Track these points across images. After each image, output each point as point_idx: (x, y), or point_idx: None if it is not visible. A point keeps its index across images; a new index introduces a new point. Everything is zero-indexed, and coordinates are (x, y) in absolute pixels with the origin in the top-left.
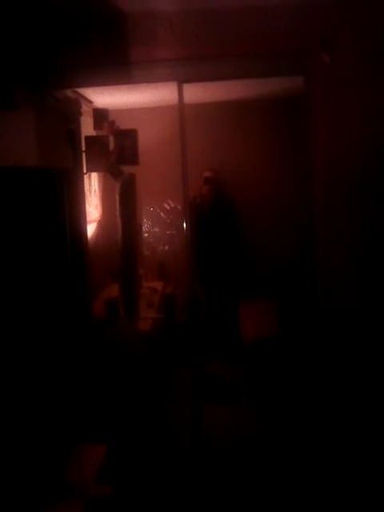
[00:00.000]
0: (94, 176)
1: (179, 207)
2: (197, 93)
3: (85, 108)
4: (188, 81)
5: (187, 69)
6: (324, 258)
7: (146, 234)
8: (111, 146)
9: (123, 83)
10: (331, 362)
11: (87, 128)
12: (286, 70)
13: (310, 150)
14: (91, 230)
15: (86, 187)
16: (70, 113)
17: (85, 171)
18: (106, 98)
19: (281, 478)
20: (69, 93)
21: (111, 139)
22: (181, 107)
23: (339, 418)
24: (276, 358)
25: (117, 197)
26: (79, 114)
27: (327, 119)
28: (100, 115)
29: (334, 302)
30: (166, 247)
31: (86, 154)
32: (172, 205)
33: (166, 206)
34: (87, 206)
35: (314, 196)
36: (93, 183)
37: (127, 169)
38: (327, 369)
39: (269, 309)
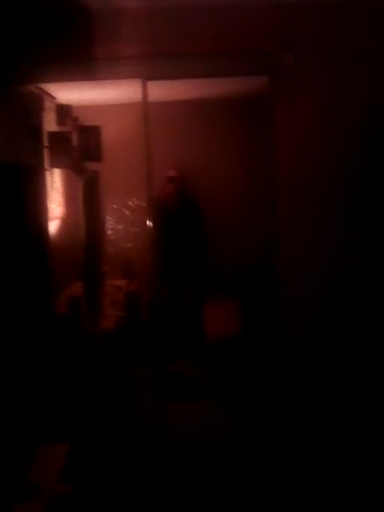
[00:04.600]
0: (57, 172)
1: (143, 205)
2: (161, 90)
3: (48, 104)
4: (152, 78)
5: (151, 66)
6: (287, 257)
7: (110, 232)
8: (74, 142)
9: (87, 80)
10: (293, 359)
11: (50, 124)
12: (251, 70)
13: (274, 150)
14: (54, 227)
15: (49, 184)
16: (32, 108)
17: (47, 167)
18: (70, 94)
19: (245, 474)
20: (32, 88)
21: (74, 135)
22: (145, 105)
23: (302, 413)
24: (240, 356)
25: (80, 194)
26: (42, 109)
27: (290, 118)
28: (63, 111)
29: (296, 301)
30: (130, 245)
31: (48, 150)
32: (136, 202)
33: (130, 203)
34: (49, 202)
35: (278, 195)
36: (55, 180)
37: (90, 165)
38: (289, 367)
39: (233, 307)
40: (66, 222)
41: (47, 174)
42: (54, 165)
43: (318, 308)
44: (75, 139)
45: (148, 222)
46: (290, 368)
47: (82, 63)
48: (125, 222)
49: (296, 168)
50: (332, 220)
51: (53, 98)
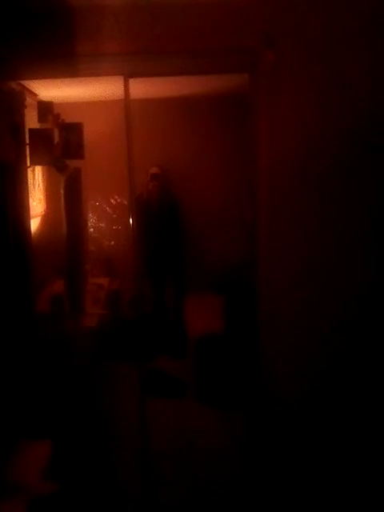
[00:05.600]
0: (38, 169)
1: (125, 202)
2: (144, 88)
3: (29, 100)
4: (134, 75)
5: (133, 63)
6: (267, 255)
7: (92, 229)
8: (56, 139)
9: (69, 76)
10: (276, 358)
11: (31, 121)
12: (232, 67)
13: (254, 147)
14: (35, 224)
15: (30, 181)
16: (13, 105)
17: (28, 164)
18: (51, 90)
19: (226, 470)
20: (13, 85)
21: (56, 132)
22: (127, 102)
23: (284, 409)
24: (222, 352)
25: (61, 191)
26: (23, 106)
27: (271, 116)
28: (45, 108)
29: (277, 299)
30: (112, 243)
31: (29, 147)
32: (118, 200)
33: (112, 201)
34: (31, 200)
35: (258, 193)
36: (37, 177)
37: (72, 163)
38: (270, 364)
39: (215, 304)
40: (48, 220)
41: (28, 171)
42: (35, 162)
43: (301, 307)
44: (57, 136)
45: (130, 220)
46: (271, 366)
47: (64, 60)
48: (107, 219)
49: (278, 165)
50: (313, 218)
51: (34, 94)
